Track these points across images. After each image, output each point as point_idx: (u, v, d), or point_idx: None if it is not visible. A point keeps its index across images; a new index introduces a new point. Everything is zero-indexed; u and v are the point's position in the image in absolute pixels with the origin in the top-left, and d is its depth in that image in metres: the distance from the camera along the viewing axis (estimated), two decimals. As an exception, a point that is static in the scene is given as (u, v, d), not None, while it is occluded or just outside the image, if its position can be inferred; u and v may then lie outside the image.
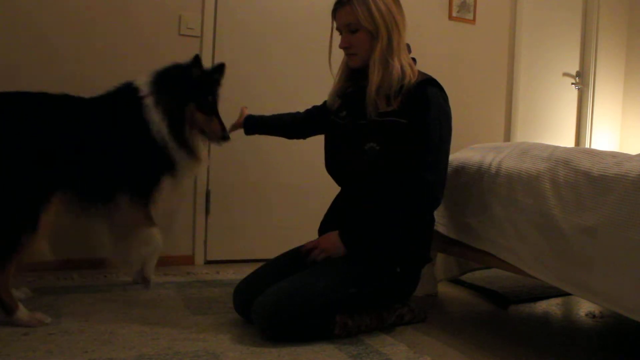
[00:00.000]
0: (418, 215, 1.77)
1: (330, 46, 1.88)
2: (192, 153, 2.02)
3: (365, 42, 1.75)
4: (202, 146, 2.10)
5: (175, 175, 2.02)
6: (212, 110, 2.05)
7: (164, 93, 1.95)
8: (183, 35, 2.69)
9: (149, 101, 1.93)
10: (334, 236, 1.74)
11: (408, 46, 1.83)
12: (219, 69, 2.12)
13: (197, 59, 1.99)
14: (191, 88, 1.99)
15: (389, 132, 1.71)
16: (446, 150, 1.76)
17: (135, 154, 1.92)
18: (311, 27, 2.87)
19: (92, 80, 2.08)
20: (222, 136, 2.07)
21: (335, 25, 1.83)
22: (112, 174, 1.90)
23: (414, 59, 1.83)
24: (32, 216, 1.68)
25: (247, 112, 2.20)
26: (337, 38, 1.83)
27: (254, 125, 2.17)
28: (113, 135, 1.89)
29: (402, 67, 1.73)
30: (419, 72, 1.79)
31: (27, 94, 1.79)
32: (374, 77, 1.72)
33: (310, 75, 2.87)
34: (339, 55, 1.87)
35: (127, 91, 1.96)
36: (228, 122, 2.15)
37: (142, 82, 1.97)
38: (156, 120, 1.91)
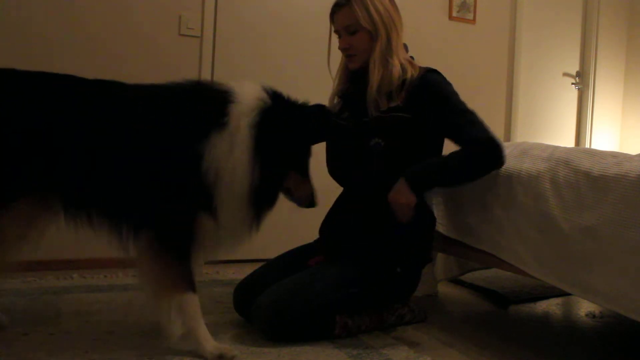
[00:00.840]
0: (487, 170, 1.70)
1: (329, 48, 1.87)
2: (257, 224, 1.65)
3: (365, 43, 1.74)
4: None
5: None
6: (307, 171, 1.69)
7: (272, 140, 1.51)
8: (183, 35, 2.69)
9: (245, 134, 1.47)
10: (399, 185, 1.66)
11: (405, 46, 1.84)
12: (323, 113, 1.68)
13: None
14: (304, 146, 1.64)
15: (392, 127, 1.71)
16: (473, 113, 1.69)
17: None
18: (311, 26, 2.87)
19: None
20: (311, 202, 1.71)
21: (333, 27, 1.82)
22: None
23: (412, 58, 1.83)
24: None
25: None
26: (336, 40, 1.83)
27: None
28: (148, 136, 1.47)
29: (401, 65, 1.73)
30: (420, 67, 1.78)
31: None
32: (375, 76, 1.72)
33: (310, 75, 2.86)
34: (337, 57, 1.87)
35: (214, 93, 1.56)
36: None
37: (246, 95, 1.56)
38: (238, 156, 1.47)
